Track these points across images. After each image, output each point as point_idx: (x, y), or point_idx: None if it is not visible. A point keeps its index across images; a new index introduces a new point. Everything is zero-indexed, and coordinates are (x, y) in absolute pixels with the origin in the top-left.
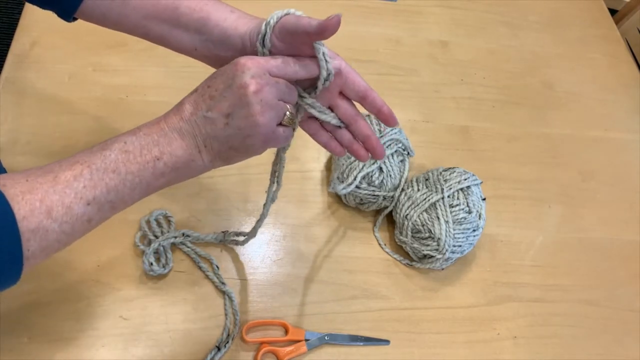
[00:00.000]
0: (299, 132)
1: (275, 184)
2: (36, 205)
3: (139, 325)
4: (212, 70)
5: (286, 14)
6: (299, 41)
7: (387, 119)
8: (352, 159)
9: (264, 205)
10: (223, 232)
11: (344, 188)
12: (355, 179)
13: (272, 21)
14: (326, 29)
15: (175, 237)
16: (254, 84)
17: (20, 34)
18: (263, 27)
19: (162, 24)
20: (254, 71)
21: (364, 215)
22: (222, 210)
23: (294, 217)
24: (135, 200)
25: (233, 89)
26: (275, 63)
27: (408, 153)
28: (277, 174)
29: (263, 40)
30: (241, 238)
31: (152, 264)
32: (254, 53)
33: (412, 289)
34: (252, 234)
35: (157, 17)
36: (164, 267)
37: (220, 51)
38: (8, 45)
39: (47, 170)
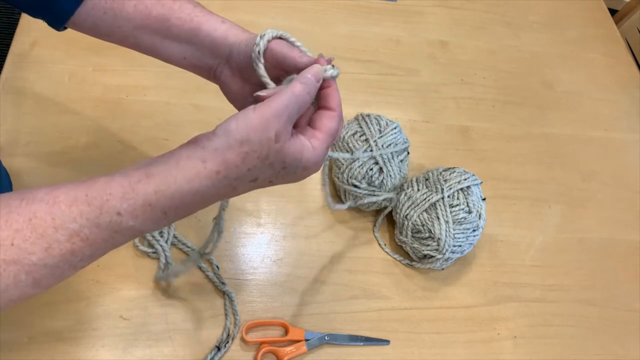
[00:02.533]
0: None
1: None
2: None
3: (139, 325)
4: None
5: (279, 37)
6: (284, 67)
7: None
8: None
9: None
10: (197, 251)
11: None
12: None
13: (266, 37)
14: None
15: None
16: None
17: (20, 34)
18: (258, 39)
19: (153, 34)
20: (320, 166)
21: (364, 215)
22: None
23: (294, 217)
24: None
25: (297, 181)
26: (330, 142)
27: (408, 153)
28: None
29: (258, 53)
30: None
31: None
32: (241, 62)
33: (412, 289)
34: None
35: (148, 28)
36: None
37: (208, 60)
38: (8, 45)
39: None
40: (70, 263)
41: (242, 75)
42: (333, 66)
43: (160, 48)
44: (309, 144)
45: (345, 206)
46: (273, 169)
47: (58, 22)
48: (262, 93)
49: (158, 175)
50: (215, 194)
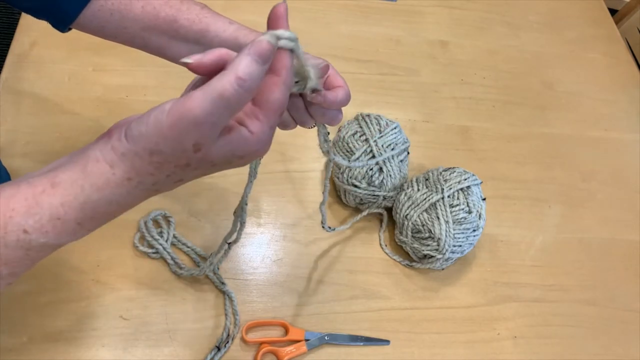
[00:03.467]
0: (299, 133)
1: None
2: None
3: (139, 325)
4: None
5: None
6: None
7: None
8: (352, 158)
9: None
10: (224, 240)
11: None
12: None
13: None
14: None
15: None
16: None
17: (20, 34)
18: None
19: (161, 35)
20: (266, 149)
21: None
22: (222, 210)
23: (294, 217)
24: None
25: (234, 165)
26: (275, 120)
27: (408, 153)
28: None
29: None
30: (234, 235)
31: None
32: None
33: (412, 289)
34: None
35: (156, 29)
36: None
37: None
38: (8, 45)
39: None
40: None
41: None
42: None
43: (167, 49)
44: (246, 133)
45: (341, 228)
46: (200, 170)
47: (62, 24)
48: (186, 60)
49: (64, 183)
50: (134, 199)
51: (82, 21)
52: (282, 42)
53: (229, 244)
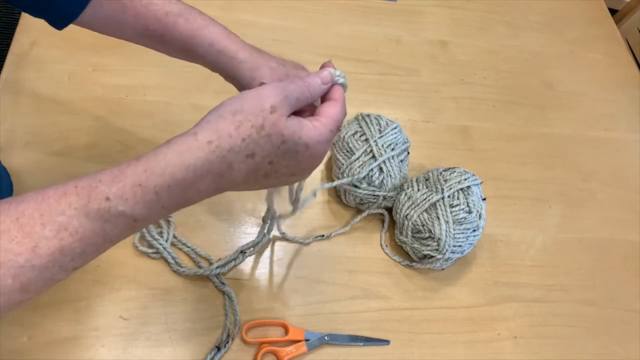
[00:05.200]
0: None
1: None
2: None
3: (139, 325)
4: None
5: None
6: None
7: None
8: (352, 158)
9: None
10: (239, 249)
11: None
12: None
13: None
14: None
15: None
16: (322, 160)
17: (20, 34)
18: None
19: (156, 43)
20: (325, 151)
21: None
22: (222, 211)
23: (294, 217)
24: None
25: (293, 172)
26: (337, 129)
27: (408, 153)
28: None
29: None
30: (252, 249)
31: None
32: (247, 83)
33: (412, 289)
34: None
35: (150, 38)
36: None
37: (214, 68)
38: (8, 45)
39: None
40: (60, 264)
41: None
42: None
43: (166, 53)
44: (310, 123)
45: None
46: (271, 143)
47: (60, 24)
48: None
49: (148, 155)
50: (209, 170)
51: (80, 22)
52: (340, 80)
53: (243, 252)
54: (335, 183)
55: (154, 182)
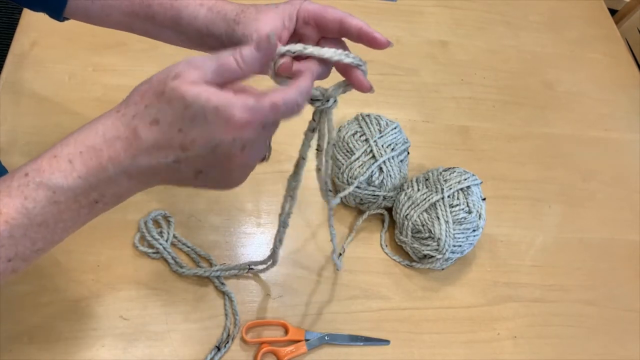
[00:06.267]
0: (298, 133)
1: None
2: None
3: (139, 325)
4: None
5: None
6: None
7: (371, 41)
8: (352, 158)
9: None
10: (248, 263)
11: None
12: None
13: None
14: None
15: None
16: (242, 156)
17: (20, 34)
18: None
19: (143, 21)
20: (247, 139)
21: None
22: (222, 210)
23: (294, 217)
24: (67, 236)
25: (216, 155)
26: (272, 111)
27: (408, 153)
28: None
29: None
30: (262, 266)
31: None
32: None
33: (412, 289)
34: (274, 259)
35: (136, 16)
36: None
37: (207, 40)
38: (8, 45)
39: None
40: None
41: None
42: (305, 47)
43: (153, 34)
44: (227, 92)
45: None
46: (173, 108)
47: (56, 12)
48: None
49: (69, 134)
50: (116, 136)
51: (70, 10)
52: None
53: (250, 267)
54: (343, 192)
55: (67, 150)
